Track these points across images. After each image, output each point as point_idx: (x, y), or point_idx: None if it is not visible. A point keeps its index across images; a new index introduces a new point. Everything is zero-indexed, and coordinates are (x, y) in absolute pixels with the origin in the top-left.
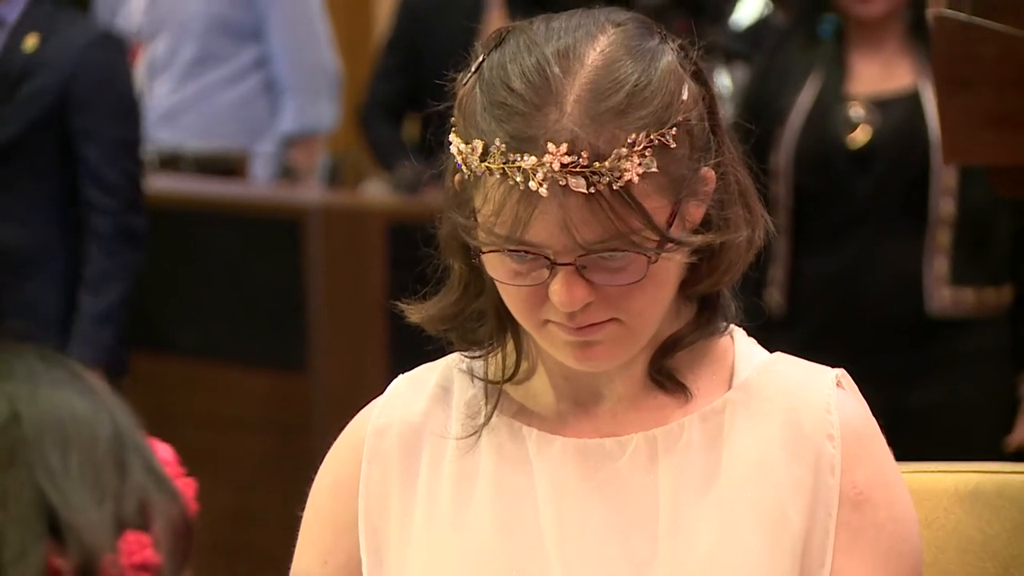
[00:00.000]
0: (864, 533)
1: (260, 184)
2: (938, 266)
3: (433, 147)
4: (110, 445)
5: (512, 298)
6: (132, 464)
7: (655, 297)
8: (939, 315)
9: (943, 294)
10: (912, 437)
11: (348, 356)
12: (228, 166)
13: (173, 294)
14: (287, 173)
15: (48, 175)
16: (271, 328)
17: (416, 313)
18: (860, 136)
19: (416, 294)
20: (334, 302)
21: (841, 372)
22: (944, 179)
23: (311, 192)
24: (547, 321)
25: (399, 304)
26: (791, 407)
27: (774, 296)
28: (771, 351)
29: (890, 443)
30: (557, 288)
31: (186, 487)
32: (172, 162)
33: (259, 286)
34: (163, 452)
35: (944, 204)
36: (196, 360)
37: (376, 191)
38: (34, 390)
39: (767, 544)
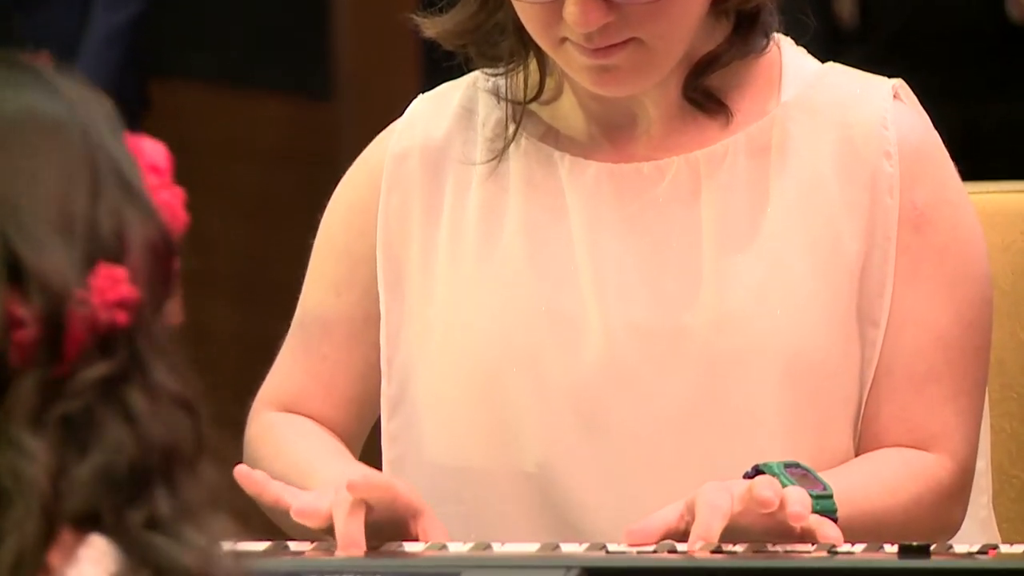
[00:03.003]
0: (926, 257)
1: None
2: None
3: None
4: (80, 157)
5: (526, 15)
6: (105, 180)
7: (679, 16)
8: (1021, 23)
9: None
10: (989, 156)
11: (377, 82)
12: None
13: (188, 16)
14: None
15: None
16: (294, 52)
17: (432, 27)
18: None
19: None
20: (361, 24)
21: (899, 82)
22: None
23: None
24: (564, 40)
25: (413, 17)
26: (844, 123)
27: (845, 4)
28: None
29: (966, 162)
30: (572, 8)
31: (173, 198)
32: None
33: (281, 6)
34: (153, 155)
35: None
36: (213, 87)
37: None
38: None
39: (819, 272)
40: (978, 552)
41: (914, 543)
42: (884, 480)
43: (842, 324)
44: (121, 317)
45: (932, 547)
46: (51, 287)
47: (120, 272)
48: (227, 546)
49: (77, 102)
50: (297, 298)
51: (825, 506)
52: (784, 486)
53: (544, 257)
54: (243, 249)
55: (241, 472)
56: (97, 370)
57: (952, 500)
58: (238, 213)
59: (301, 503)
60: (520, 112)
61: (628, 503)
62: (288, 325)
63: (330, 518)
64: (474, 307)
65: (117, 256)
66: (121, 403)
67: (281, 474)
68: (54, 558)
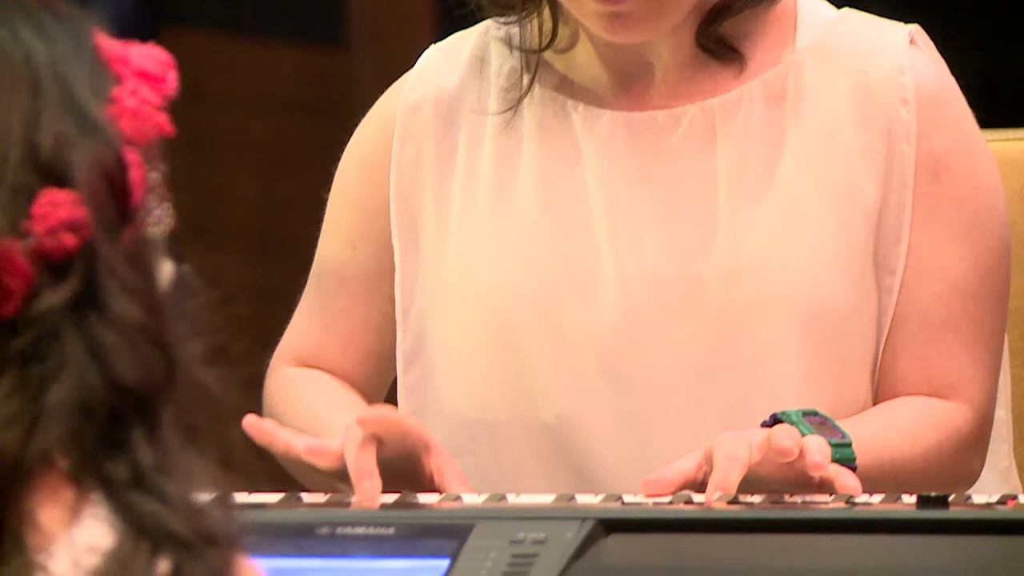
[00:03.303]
0: (943, 205)
1: None
2: None
3: None
4: (18, 82)
5: None
6: (48, 103)
7: None
8: None
9: None
10: (1007, 103)
11: (391, 30)
12: None
13: None
14: None
15: None
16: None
17: None
18: None
19: None
20: None
21: (915, 28)
22: None
23: None
24: None
25: None
26: (860, 70)
27: None
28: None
29: (983, 109)
30: None
31: (143, 104)
32: None
33: None
34: (142, 60)
35: None
36: (225, 35)
37: None
38: None
39: (836, 220)
40: (997, 503)
41: (932, 494)
42: (903, 428)
43: (859, 272)
44: (69, 241)
45: (950, 498)
46: None
47: (63, 195)
48: (217, 497)
49: (27, 24)
50: (312, 249)
51: (844, 455)
52: (803, 435)
53: (559, 207)
54: (256, 199)
55: (250, 422)
56: (48, 299)
57: (971, 449)
58: (251, 162)
59: (312, 443)
60: (535, 61)
61: (645, 453)
62: (303, 276)
63: (341, 457)
64: (488, 258)
65: (60, 180)
66: (82, 335)
67: (298, 428)
68: (45, 514)
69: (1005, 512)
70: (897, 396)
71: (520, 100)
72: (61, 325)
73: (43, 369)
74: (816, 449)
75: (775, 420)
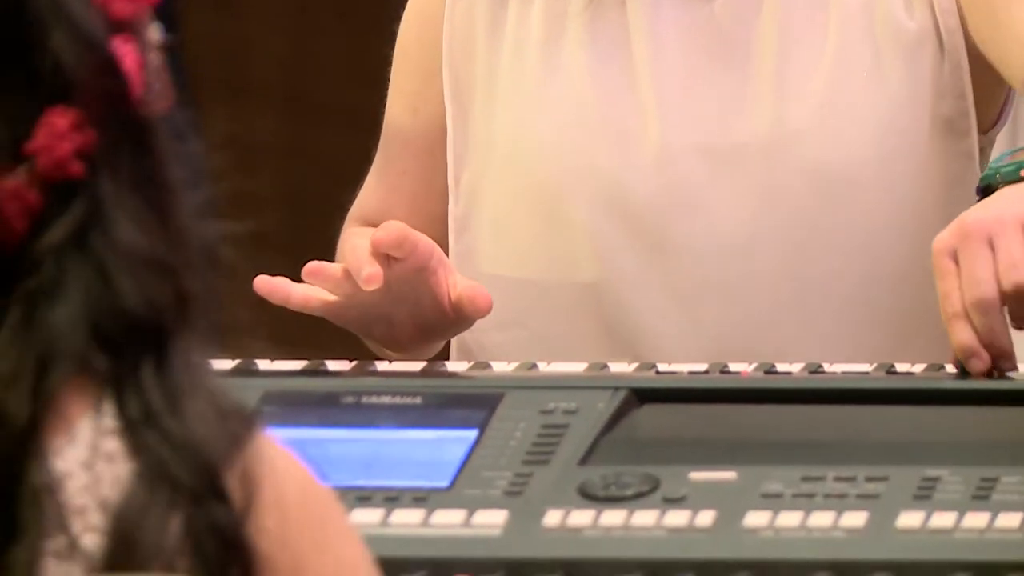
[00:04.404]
0: None
1: None
2: None
3: None
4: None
5: None
6: (40, 17)
7: None
8: None
9: None
10: None
11: None
12: None
13: None
14: None
15: None
16: None
17: None
18: None
19: None
20: None
21: None
22: None
23: None
24: None
25: None
26: None
27: None
28: None
29: None
30: None
31: (137, 7)
32: None
33: None
34: None
35: None
36: None
37: None
38: None
39: (885, 68)
40: None
41: None
42: None
43: (918, 117)
44: (74, 168)
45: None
46: None
47: (66, 117)
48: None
49: None
50: (337, 110)
51: None
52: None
53: (606, 74)
54: (283, 56)
55: (262, 282)
56: (54, 233)
57: None
58: (277, 18)
59: (313, 264)
60: None
61: (690, 323)
62: (330, 134)
63: (343, 277)
64: (536, 123)
65: (62, 98)
66: (88, 263)
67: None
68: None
69: None
70: None
71: None
72: (66, 255)
73: (48, 303)
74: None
75: (986, 187)
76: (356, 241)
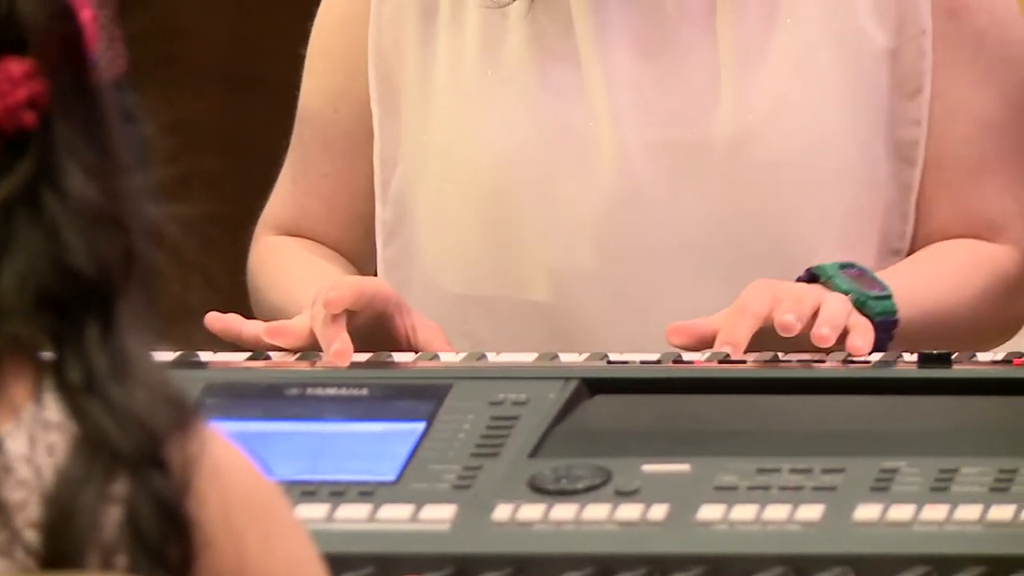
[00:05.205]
0: (964, 43)
1: None
2: None
3: None
4: None
5: None
6: None
7: None
8: None
9: None
10: None
11: None
12: None
13: None
14: None
15: None
16: None
17: None
18: None
19: None
20: None
21: None
22: None
23: None
24: None
25: None
26: None
27: None
28: None
29: None
30: None
31: None
32: None
33: None
34: None
35: None
36: None
37: None
38: None
39: (846, 74)
40: (1001, 361)
41: (934, 352)
42: (947, 275)
43: (871, 126)
44: (27, 118)
45: (954, 356)
46: None
47: (20, 65)
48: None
49: None
50: (278, 89)
51: (884, 307)
52: (837, 289)
53: (552, 72)
54: (226, 39)
55: (214, 319)
56: (3, 188)
57: (1019, 291)
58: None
59: (273, 323)
60: None
61: (644, 327)
62: (273, 120)
63: (306, 336)
64: (479, 125)
65: (15, 46)
66: (36, 216)
67: (278, 305)
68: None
69: (1008, 371)
70: None
71: None
72: (15, 210)
73: None
74: (826, 320)
75: (811, 275)
76: (292, 286)
